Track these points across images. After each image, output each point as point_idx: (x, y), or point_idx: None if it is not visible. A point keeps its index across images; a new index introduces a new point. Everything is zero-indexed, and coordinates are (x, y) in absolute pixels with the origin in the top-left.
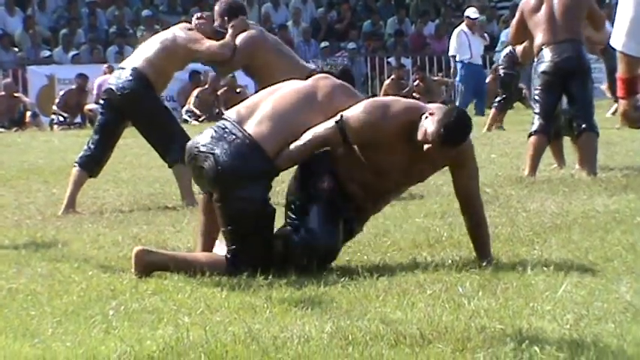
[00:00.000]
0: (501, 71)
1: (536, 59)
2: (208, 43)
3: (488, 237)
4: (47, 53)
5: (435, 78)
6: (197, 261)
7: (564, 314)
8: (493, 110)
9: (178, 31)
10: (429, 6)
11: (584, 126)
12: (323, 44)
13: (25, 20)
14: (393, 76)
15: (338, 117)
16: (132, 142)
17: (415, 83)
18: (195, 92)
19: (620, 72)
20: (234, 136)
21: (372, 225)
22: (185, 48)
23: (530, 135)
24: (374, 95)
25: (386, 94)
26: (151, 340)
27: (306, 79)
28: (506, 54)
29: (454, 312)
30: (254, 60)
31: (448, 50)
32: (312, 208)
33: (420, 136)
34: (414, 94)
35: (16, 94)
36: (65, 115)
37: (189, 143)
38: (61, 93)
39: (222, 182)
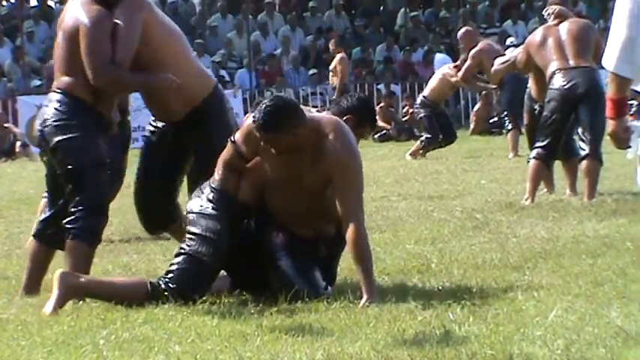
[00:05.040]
0: (422, 114)
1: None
2: None
3: (367, 271)
4: (37, 83)
5: None
6: (112, 284)
7: (555, 339)
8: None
9: None
10: (418, 33)
11: (588, 152)
12: (312, 72)
13: (15, 51)
14: (382, 104)
15: (233, 137)
16: None
17: (405, 110)
18: None
19: (611, 93)
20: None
21: None
22: None
23: (528, 160)
24: None
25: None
26: None
27: None
28: (421, 100)
29: (445, 338)
30: None
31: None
32: (282, 263)
33: None
34: (404, 120)
35: (6, 125)
36: None
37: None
38: None
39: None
